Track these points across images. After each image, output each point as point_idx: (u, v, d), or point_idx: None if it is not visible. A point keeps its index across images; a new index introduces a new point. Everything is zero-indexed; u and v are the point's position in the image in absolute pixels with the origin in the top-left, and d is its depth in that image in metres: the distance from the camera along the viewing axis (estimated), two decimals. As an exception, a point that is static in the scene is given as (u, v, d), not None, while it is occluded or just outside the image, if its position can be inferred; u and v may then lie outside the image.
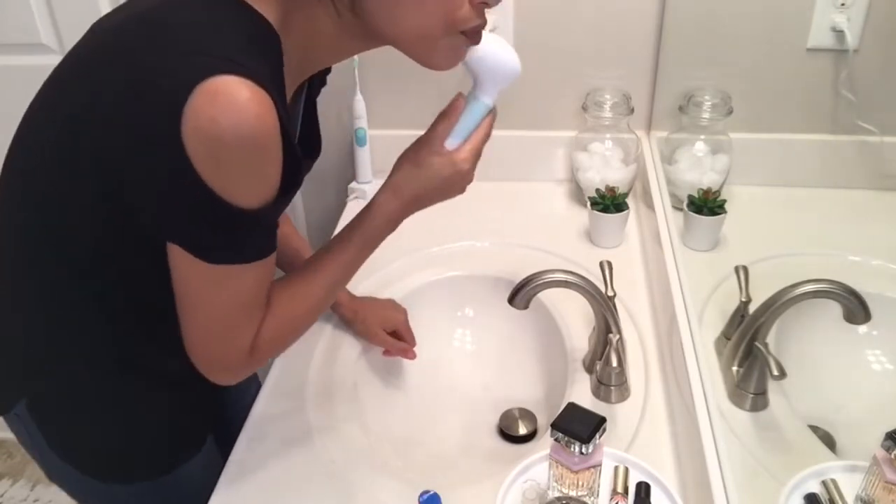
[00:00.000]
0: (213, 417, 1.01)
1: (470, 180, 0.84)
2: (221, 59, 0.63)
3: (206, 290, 0.72)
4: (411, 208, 0.84)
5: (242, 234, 0.70)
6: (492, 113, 0.83)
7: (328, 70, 0.93)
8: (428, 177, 0.82)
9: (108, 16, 0.77)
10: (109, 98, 0.67)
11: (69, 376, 0.85)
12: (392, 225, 0.85)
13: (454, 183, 0.83)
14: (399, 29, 0.74)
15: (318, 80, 0.92)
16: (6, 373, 0.88)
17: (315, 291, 0.83)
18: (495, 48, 0.80)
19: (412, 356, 1.15)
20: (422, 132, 0.85)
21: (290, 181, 0.71)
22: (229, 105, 0.62)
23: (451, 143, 0.82)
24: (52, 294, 0.81)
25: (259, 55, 0.67)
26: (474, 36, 0.76)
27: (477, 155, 0.83)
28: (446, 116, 0.82)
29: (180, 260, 0.70)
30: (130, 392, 0.88)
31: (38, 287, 0.81)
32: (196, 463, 0.94)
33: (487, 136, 0.83)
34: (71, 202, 0.74)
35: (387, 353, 1.14)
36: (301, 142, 0.83)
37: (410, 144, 0.84)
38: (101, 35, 0.74)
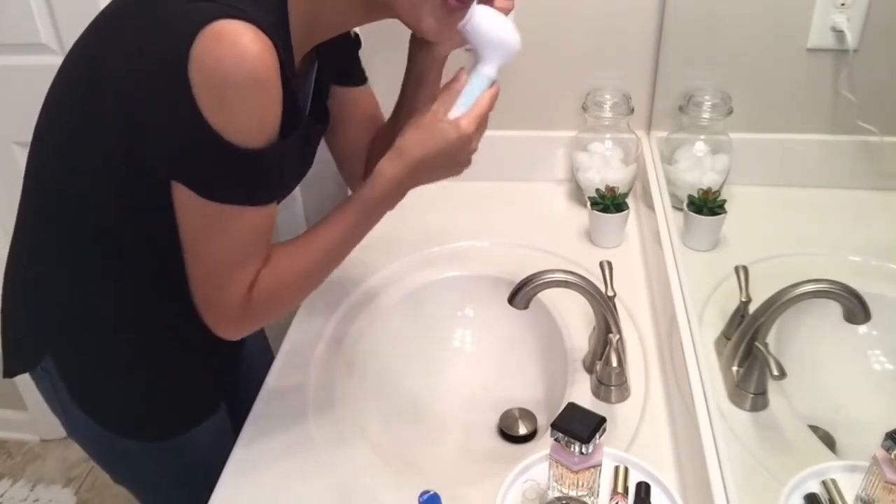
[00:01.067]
0: (226, 385, 1.03)
1: (474, 149, 0.84)
2: (227, 6, 0.67)
3: (203, 230, 0.75)
4: (416, 174, 0.84)
5: (243, 175, 0.73)
6: (494, 85, 0.84)
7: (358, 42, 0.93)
8: (433, 139, 0.82)
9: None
10: (122, 47, 0.72)
11: (92, 333, 0.89)
12: (396, 191, 0.84)
13: (459, 149, 0.83)
14: None
15: (330, 54, 0.93)
16: (34, 329, 0.92)
17: (314, 251, 0.84)
18: (496, 22, 0.82)
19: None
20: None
21: (290, 123, 0.74)
22: (232, 45, 0.66)
23: (454, 114, 0.83)
24: (74, 251, 0.84)
25: (262, 7, 0.71)
26: (458, 3, 0.78)
27: (481, 123, 0.84)
28: (449, 89, 0.84)
29: (183, 199, 0.74)
30: (150, 352, 0.91)
31: (61, 244, 0.85)
32: (208, 428, 0.98)
33: (490, 107, 0.84)
34: (90, 153, 0.78)
35: None
36: (313, 111, 0.85)
37: (414, 116, 0.84)
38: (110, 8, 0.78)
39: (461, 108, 0.84)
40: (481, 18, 0.82)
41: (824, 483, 0.74)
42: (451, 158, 0.84)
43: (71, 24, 1.48)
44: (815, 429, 0.87)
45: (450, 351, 1.22)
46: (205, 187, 0.73)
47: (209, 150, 0.70)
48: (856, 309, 0.81)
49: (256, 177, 0.75)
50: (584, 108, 1.38)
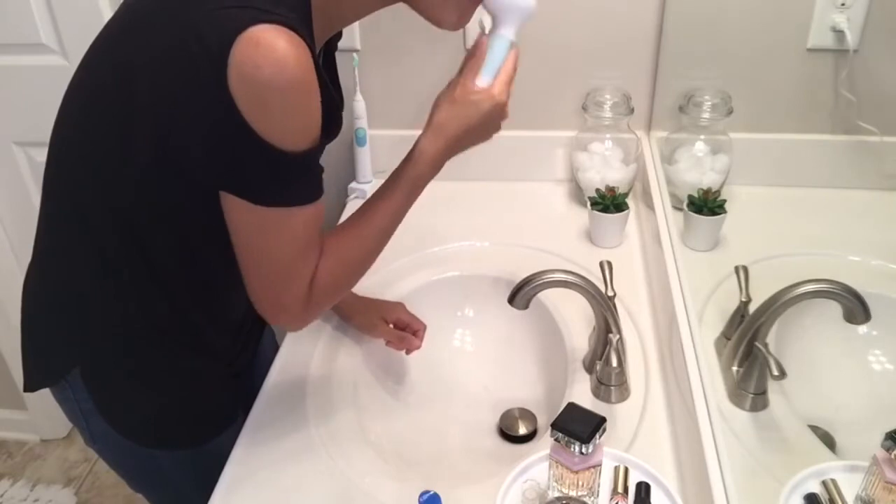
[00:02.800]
0: (246, 393, 1.04)
1: (506, 115, 0.85)
2: (258, 10, 0.67)
3: (259, 235, 0.76)
4: (455, 148, 0.85)
5: (291, 177, 0.74)
6: (515, 48, 0.85)
7: (340, 34, 0.94)
8: (468, 114, 0.83)
9: None
10: (157, 53, 0.71)
11: (121, 345, 0.89)
12: (437, 167, 0.86)
13: (493, 117, 0.85)
14: None
15: (335, 37, 0.94)
16: (60, 341, 0.92)
17: (366, 237, 0.86)
18: None
19: (417, 345, 1.12)
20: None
21: (331, 122, 0.76)
22: (271, 51, 0.66)
23: (482, 82, 0.84)
24: (104, 262, 0.84)
25: (291, 8, 0.71)
26: None
27: (505, 91, 0.84)
28: (472, 56, 0.84)
29: (233, 208, 0.74)
30: (177, 362, 0.92)
31: (91, 255, 0.85)
32: (230, 435, 0.98)
33: (513, 71, 0.85)
34: (123, 167, 0.77)
35: (389, 344, 1.12)
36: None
37: (443, 89, 0.85)
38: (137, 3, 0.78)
39: (488, 74, 0.84)
40: None
41: (824, 483, 0.74)
42: (486, 127, 0.85)
43: (71, 24, 1.49)
44: (815, 429, 0.87)
45: (450, 351, 1.22)
46: (256, 195, 0.73)
47: (257, 157, 0.70)
48: (856, 309, 0.81)
49: (305, 177, 0.76)
50: (584, 108, 1.38)
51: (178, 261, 0.84)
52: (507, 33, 0.85)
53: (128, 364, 0.92)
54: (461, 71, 0.85)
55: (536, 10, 0.85)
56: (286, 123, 0.70)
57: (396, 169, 0.86)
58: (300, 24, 0.70)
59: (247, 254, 0.78)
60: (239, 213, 0.75)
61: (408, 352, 1.14)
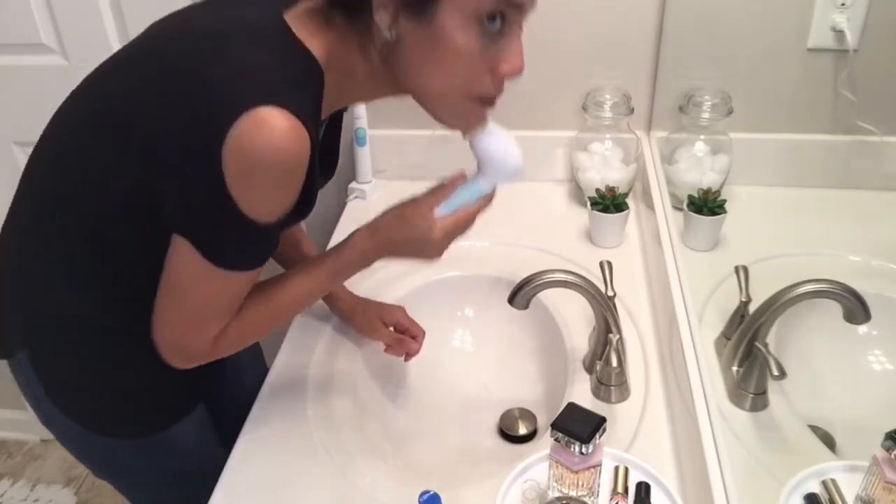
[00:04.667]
0: (205, 387, 1.04)
1: (439, 250, 0.87)
2: (271, 91, 0.70)
3: (192, 283, 0.79)
4: (382, 252, 0.88)
5: (247, 245, 0.78)
6: (486, 198, 0.86)
7: None
8: (402, 229, 0.86)
9: (174, 16, 0.85)
10: (167, 98, 0.73)
11: (72, 334, 0.90)
12: (363, 259, 0.89)
13: (423, 246, 0.86)
14: (422, 86, 0.80)
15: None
16: (12, 320, 0.93)
17: (282, 301, 0.88)
18: (503, 144, 0.85)
19: (416, 350, 1.13)
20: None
21: (304, 205, 0.79)
22: (271, 134, 0.69)
23: (437, 212, 0.86)
24: (65, 254, 0.86)
25: (304, 90, 0.75)
26: (489, 102, 0.81)
27: (453, 231, 0.86)
28: (442, 188, 0.86)
29: (181, 251, 0.76)
30: (129, 355, 0.92)
31: (54, 244, 0.86)
32: (184, 427, 0.99)
33: (471, 218, 0.86)
34: (102, 177, 0.79)
35: (388, 349, 1.13)
36: (319, 159, 0.87)
37: (403, 201, 0.88)
38: (168, 35, 0.81)
39: (446, 209, 0.86)
40: (490, 135, 0.85)
41: (824, 483, 0.74)
42: (418, 251, 0.87)
43: (71, 24, 1.49)
44: (815, 429, 0.87)
45: (450, 351, 1.22)
46: (209, 252, 0.76)
47: (225, 220, 0.73)
48: (856, 309, 0.81)
49: (258, 246, 0.79)
50: (584, 108, 1.38)
51: (136, 263, 0.85)
52: (482, 185, 0.86)
53: (76, 353, 0.92)
54: (426, 192, 0.87)
55: (521, 174, 0.86)
56: (263, 199, 0.74)
57: (329, 249, 0.90)
58: (309, 108, 0.74)
59: (170, 291, 0.81)
60: (184, 257, 0.77)
61: (407, 357, 1.14)
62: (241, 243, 0.77)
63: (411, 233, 0.86)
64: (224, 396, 1.10)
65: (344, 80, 0.81)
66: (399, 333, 1.13)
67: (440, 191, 0.86)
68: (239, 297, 0.83)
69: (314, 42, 0.77)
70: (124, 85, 0.79)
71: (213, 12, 0.81)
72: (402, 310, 1.13)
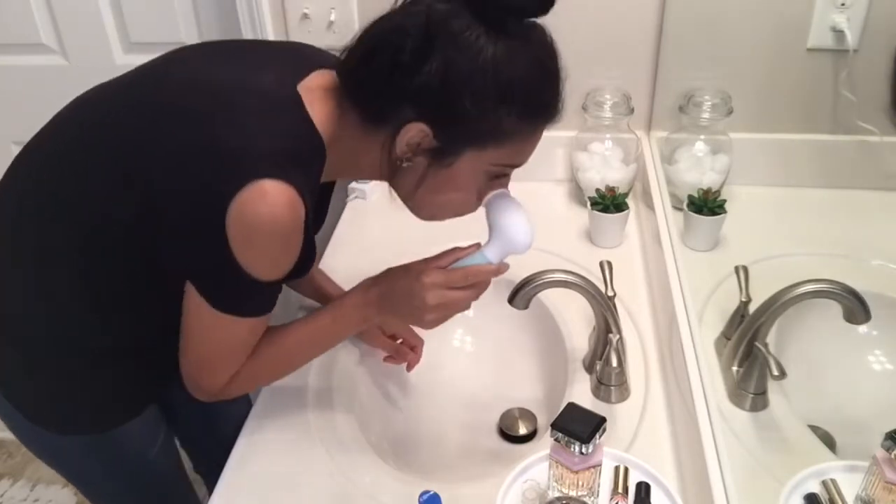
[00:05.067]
0: (154, 391, 1.06)
1: (428, 308, 0.87)
2: (275, 165, 0.75)
3: (205, 327, 0.84)
4: (378, 302, 0.90)
5: (250, 296, 0.82)
6: (492, 266, 0.87)
7: None
8: (398, 280, 0.89)
9: (186, 56, 0.89)
10: (179, 157, 0.77)
11: (25, 336, 0.92)
12: (360, 307, 0.91)
13: (412, 305, 0.87)
14: (416, 202, 0.86)
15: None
16: None
17: (286, 346, 0.92)
18: (514, 217, 0.86)
19: (414, 362, 1.13)
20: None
21: (301, 267, 0.83)
22: (272, 205, 0.74)
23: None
24: (38, 260, 0.87)
25: (305, 165, 0.79)
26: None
27: (445, 291, 0.86)
28: (453, 252, 0.89)
29: (194, 297, 0.81)
30: (79, 360, 0.94)
31: (33, 248, 0.87)
32: (134, 427, 1.01)
33: (465, 278, 0.87)
34: (102, 197, 0.82)
35: (388, 359, 1.13)
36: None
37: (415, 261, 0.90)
38: (189, 83, 0.83)
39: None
40: (503, 206, 0.87)
41: (824, 483, 0.74)
42: (410, 302, 0.87)
43: (71, 24, 1.49)
44: (815, 429, 0.87)
45: (450, 351, 1.22)
46: (215, 299, 0.81)
47: (227, 274, 0.78)
48: (856, 309, 0.82)
49: (262, 298, 0.83)
50: (584, 108, 1.38)
51: (102, 287, 0.87)
52: (489, 255, 0.87)
53: (23, 352, 0.93)
54: (441, 253, 0.89)
55: (528, 250, 0.87)
56: (262, 260, 0.78)
57: (339, 297, 0.94)
58: (308, 184, 0.78)
59: (189, 333, 0.85)
60: (195, 301, 0.81)
61: (408, 368, 1.14)
62: (244, 296, 0.82)
63: (405, 282, 0.87)
64: (177, 400, 1.09)
65: (346, 162, 0.85)
66: (398, 342, 1.13)
67: (450, 254, 0.89)
68: (247, 342, 0.87)
69: (323, 120, 0.81)
70: (138, 128, 0.81)
71: (236, 66, 0.85)
72: None
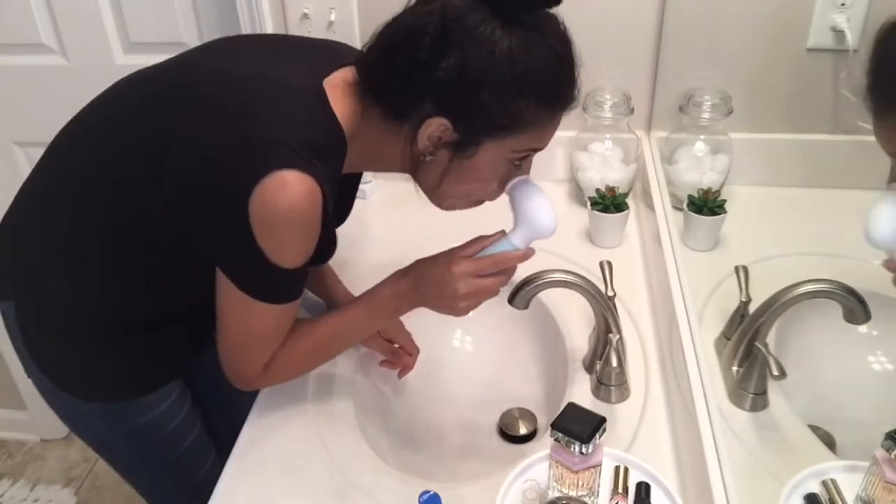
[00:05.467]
0: (179, 366, 1.08)
1: (460, 297, 0.89)
2: (297, 156, 0.77)
3: (237, 311, 0.86)
4: (411, 292, 0.92)
5: (276, 283, 0.84)
6: (525, 251, 0.89)
7: None
8: (429, 270, 0.91)
9: (222, 47, 0.93)
10: (201, 138, 0.80)
11: (58, 302, 0.94)
12: (394, 298, 0.93)
13: (445, 290, 0.89)
14: (438, 192, 0.87)
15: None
16: (5, 272, 0.97)
17: (319, 337, 0.95)
18: (537, 203, 0.87)
19: (409, 367, 1.14)
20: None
21: (322, 254, 0.86)
22: (292, 195, 0.76)
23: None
24: (73, 234, 0.90)
25: (327, 157, 0.81)
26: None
27: (476, 279, 0.89)
28: (479, 240, 0.91)
29: (224, 282, 0.84)
30: (104, 328, 0.96)
31: (67, 223, 0.90)
32: (156, 400, 1.03)
33: (495, 265, 0.89)
34: (134, 184, 0.84)
35: (384, 363, 1.13)
36: (335, 206, 0.91)
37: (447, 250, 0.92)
38: (213, 70, 0.87)
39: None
40: (528, 192, 0.88)
41: (824, 483, 0.74)
42: (436, 297, 0.91)
43: (71, 24, 1.49)
44: (815, 429, 0.87)
45: (450, 351, 1.22)
46: (244, 284, 0.83)
47: (253, 261, 0.80)
48: (856, 309, 0.82)
49: (287, 285, 0.86)
50: (584, 108, 1.38)
51: (143, 262, 0.89)
52: (514, 240, 0.89)
53: (54, 318, 0.95)
54: (467, 242, 0.91)
55: (552, 234, 0.88)
56: (283, 248, 0.81)
57: (370, 288, 0.95)
58: (329, 174, 0.80)
59: (222, 319, 0.88)
60: (226, 285, 0.84)
61: (400, 374, 1.14)
62: (270, 282, 0.84)
63: (436, 272, 0.90)
64: (204, 379, 1.12)
65: (367, 155, 0.88)
66: (395, 346, 1.13)
67: (477, 242, 0.90)
68: (280, 328, 0.90)
69: (345, 114, 0.83)
70: (171, 114, 0.84)
71: (266, 60, 0.88)
72: (399, 324, 1.13)
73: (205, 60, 0.90)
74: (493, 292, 0.90)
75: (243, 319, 0.87)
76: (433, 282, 0.90)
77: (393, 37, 0.80)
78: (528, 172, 0.90)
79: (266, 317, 0.87)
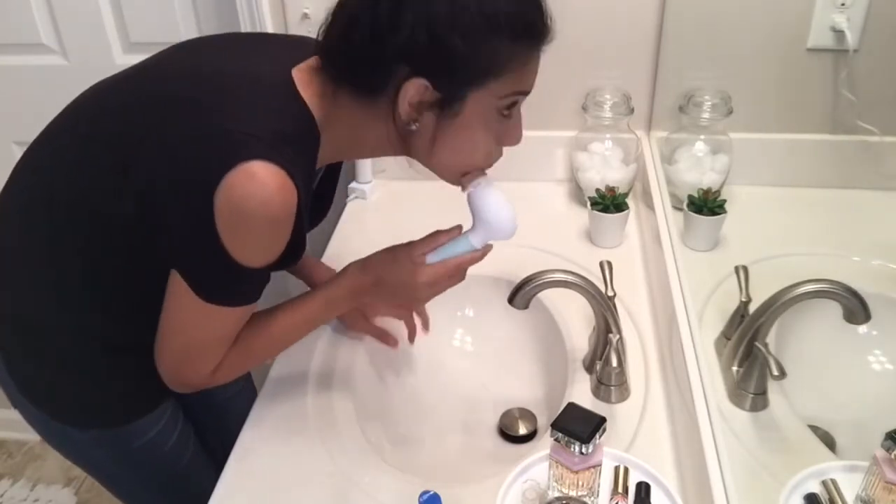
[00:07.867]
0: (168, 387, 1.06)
1: (423, 295, 0.91)
2: (267, 147, 0.73)
3: (192, 319, 0.82)
4: (371, 289, 0.92)
5: (238, 284, 0.81)
6: (481, 251, 0.90)
7: None
8: (391, 270, 0.90)
9: (191, 45, 0.91)
10: (171, 142, 0.76)
11: (38, 326, 0.92)
12: (353, 295, 0.93)
13: (407, 291, 0.90)
14: (434, 161, 0.85)
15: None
16: None
17: (274, 332, 0.92)
18: (497, 205, 0.88)
19: (413, 331, 1.13)
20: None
21: (293, 251, 0.82)
22: (261, 189, 0.72)
23: (429, 259, 0.90)
24: (52, 262, 0.89)
25: (299, 147, 0.78)
26: (488, 167, 0.89)
27: (437, 279, 0.90)
28: (436, 235, 0.91)
29: (179, 287, 0.80)
30: (92, 353, 0.94)
31: (39, 246, 0.88)
32: (149, 423, 1.02)
33: (458, 271, 0.90)
34: (103, 195, 0.82)
35: (383, 338, 1.13)
36: (312, 203, 0.91)
37: (399, 244, 0.92)
38: (176, 70, 0.85)
39: (437, 256, 0.90)
40: (486, 194, 0.88)
41: (824, 483, 0.74)
42: (403, 292, 0.92)
43: (71, 24, 1.49)
44: (815, 429, 0.87)
45: (450, 351, 1.22)
46: (202, 288, 0.80)
47: (215, 261, 0.77)
48: (856, 309, 0.82)
49: (248, 286, 0.83)
50: (584, 108, 1.38)
51: (118, 283, 0.88)
52: (473, 240, 0.90)
53: (37, 342, 0.94)
54: (422, 238, 0.91)
55: (511, 236, 0.90)
56: (250, 247, 0.77)
57: (322, 284, 0.94)
58: (302, 165, 0.77)
59: (170, 323, 0.84)
60: (179, 290, 0.80)
61: (410, 338, 1.14)
62: (232, 284, 0.81)
63: (397, 274, 0.90)
64: (206, 409, 1.12)
65: (346, 142, 0.85)
66: (380, 328, 1.13)
67: (434, 238, 0.90)
68: (232, 331, 0.87)
69: (315, 101, 0.80)
70: (136, 119, 0.81)
71: (231, 54, 0.86)
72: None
73: (166, 62, 0.88)
74: (450, 287, 0.93)
75: (196, 325, 0.83)
76: (395, 285, 0.90)
77: (347, 9, 0.78)
78: (520, 127, 0.87)
79: (221, 321, 0.84)
